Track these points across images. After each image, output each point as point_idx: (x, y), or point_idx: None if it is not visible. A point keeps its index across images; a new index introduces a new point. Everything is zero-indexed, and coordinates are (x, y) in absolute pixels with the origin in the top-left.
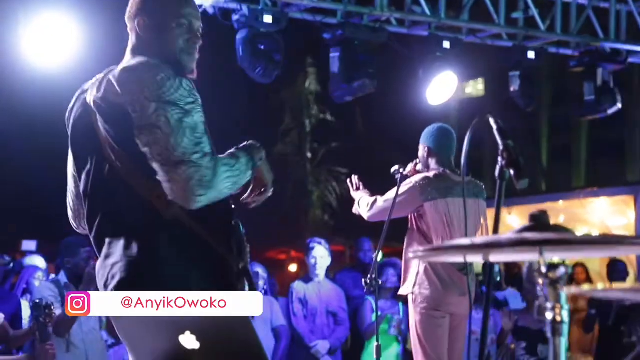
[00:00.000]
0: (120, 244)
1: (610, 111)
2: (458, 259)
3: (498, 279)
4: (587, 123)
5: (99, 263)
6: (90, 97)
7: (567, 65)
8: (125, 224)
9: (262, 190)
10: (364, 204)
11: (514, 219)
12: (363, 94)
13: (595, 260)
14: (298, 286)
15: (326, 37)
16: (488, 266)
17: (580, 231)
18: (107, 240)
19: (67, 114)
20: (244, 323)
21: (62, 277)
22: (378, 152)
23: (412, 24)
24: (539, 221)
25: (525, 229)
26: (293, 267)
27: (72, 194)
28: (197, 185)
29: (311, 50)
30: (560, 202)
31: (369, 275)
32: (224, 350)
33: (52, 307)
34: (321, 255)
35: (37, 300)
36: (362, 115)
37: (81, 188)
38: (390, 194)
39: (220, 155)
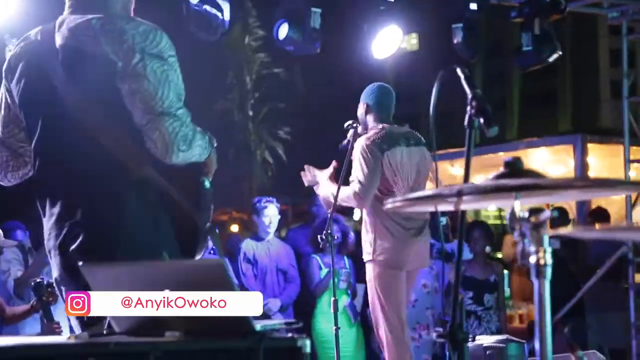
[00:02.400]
0: (80, 203)
1: (551, 59)
2: (447, 207)
3: (445, 230)
4: (520, 75)
5: (51, 222)
6: (46, 48)
7: (503, 16)
8: (89, 185)
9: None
10: (347, 195)
11: (458, 170)
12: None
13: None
14: (247, 245)
15: None
16: (460, 215)
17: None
18: (62, 200)
19: (6, 65)
20: (222, 279)
21: (27, 242)
22: (320, 109)
23: None
24: (513, 167)
25: (500, 176)
26: (234, 228)
27: None
28: (182, 140)
29: (253, 3)
30: (501, 153)
31: (324, 232)
32: None
33: (53, 286)
34: (273, 214)
35: (39, 280)
36: (303, 73)
37: (32, 144)
38: (357, 171)
39: None
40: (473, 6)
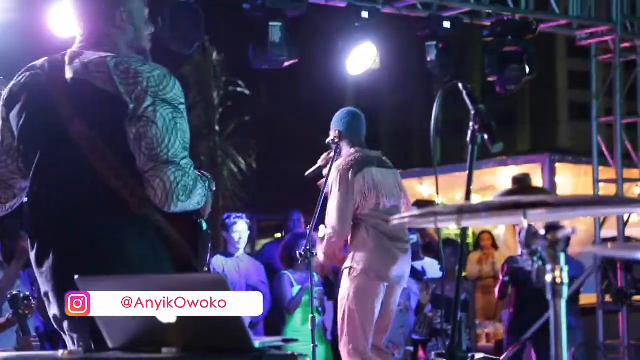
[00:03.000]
0: (78, 241)
1: (526, 78)
2: (447, 224)
3: (415, 248)
4: (478, 95)
5: (47, 266)
6: (53, 79)
7: (463, 35)
8: (88, 220)
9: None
10: (325, 245)
11: (426, 189)
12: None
13: (501, 227)
14: (217, 261)
15: (246, 7)
16: (462, 232)
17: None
18: (57, 238)
19: (7, 93)
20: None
21: None
22: (288, 124)
23: None
24: (522, 184)
25: (509, 192)
26: None
27: None
28: (182, 190)
29: (210, 22)
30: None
31: (302, 248)
32: (201, 322)
33: (31, 299)
34: (243, 229)
35: (15, 293)
36: (269, 88)
37: (29, 177)
38: (330, 213)
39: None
40: (447, 24)
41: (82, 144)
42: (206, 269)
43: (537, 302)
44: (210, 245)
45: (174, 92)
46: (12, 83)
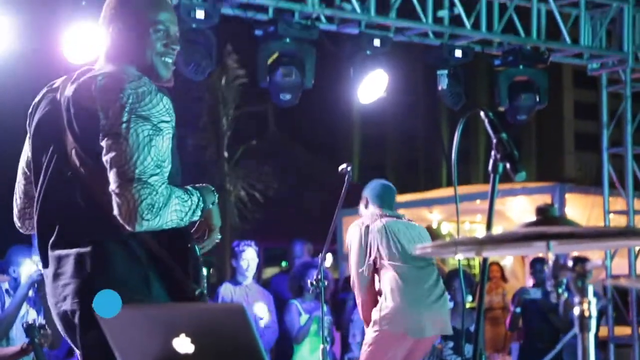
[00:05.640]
0: (71, 260)
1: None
2: (468, 254)
3: None
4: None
5: (49, 282)
6: (60, 97)
7: (471, 66)
8: (79, 236)
9: (208, 233)
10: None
11: (435, 217)
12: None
13: (508, 258)
14: (226, 290)
15: (258, 33)
16: (483, 263)
17: (499, 229)
18: (57, 254)
19: (30, 110)
20: (242, 324)
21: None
22: (294, 151)
23: (342, 21)
24: (545, 214)
25: (533, 223)
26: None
27: (20, 191)
28: (146, 209)
29: (232, 43)
30: (478, 201)
31: (314, 277)
32: (219, 353)
33: (46, 327)
34: (252, 257)
35: (30, 322)
36: (276, 113)
37: (36, 190)
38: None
39: (175, 187)
40: (458, 53)
41: (76, 161)
42: (199, 291)
43: (547, 333)
44: (202, 268)
45: (157, 109)
46: (35, 99)
